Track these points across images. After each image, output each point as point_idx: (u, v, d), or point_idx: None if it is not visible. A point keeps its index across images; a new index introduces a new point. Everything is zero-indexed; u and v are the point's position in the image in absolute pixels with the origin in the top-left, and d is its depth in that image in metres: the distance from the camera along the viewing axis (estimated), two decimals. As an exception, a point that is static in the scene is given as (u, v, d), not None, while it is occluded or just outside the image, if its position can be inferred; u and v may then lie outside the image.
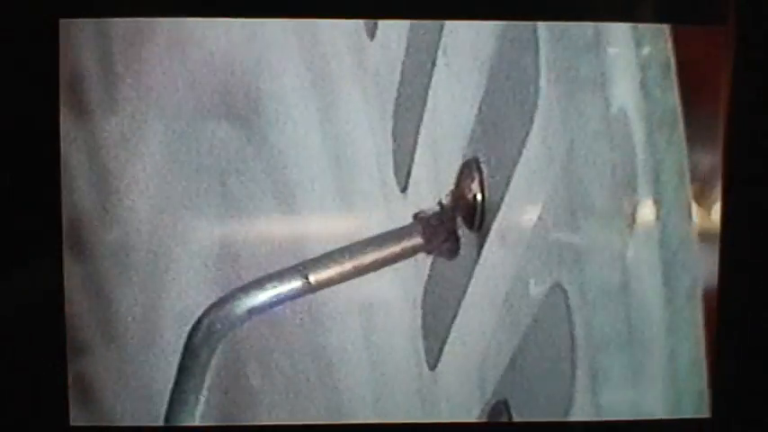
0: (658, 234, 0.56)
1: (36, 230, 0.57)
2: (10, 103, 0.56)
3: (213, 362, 0.58)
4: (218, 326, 0.57)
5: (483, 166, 0.58)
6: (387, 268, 0.60)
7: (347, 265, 0.58)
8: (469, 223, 0.59)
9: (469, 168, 0.59)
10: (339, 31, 0.61)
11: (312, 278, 0.58)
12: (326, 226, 0.61)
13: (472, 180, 0.59)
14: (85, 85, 0.59)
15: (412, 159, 0.60)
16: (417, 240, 0.59)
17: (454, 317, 0.60)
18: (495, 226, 0.58)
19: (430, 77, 0.60)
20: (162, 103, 0.59)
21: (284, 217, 0.61)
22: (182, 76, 0.59)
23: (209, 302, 0.59)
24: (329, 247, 0.59)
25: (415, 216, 0.60)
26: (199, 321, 0.58)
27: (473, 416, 0.59)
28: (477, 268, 0.59)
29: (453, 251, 0.60)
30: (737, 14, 0.57)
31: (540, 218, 0.57)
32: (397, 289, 0.61)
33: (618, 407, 0.57)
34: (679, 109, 0.55)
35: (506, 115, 0.58)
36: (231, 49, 0.60)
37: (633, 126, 0.56)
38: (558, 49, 0.57)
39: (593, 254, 0.56)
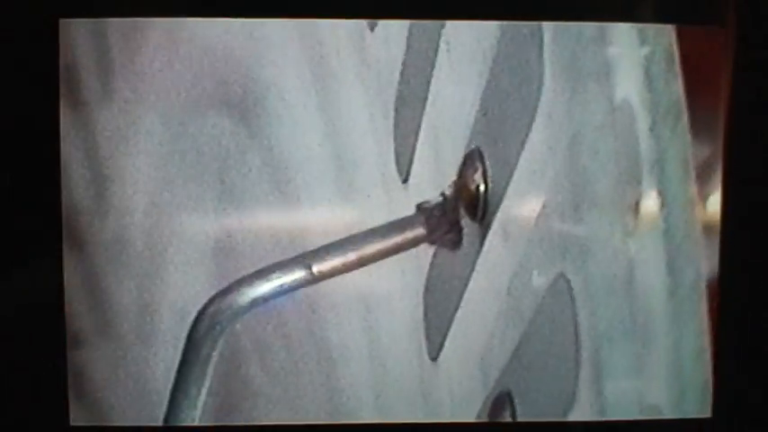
0: (662, 225, 0.56)
1: (36, 230, 0.57)
2: (10, 102, 0.56)
3: (216, 353, 0.58)
4: (222, 316, 0.57)
5: (486, 156, 0.58)
6: (387, 259, 0.60)
7: (350, 256, 0.58)
8: (472, 214, 0.59)
9: (472, 159, 0.59)
10: (339, 23, 0.60)
11: (315, 269, 0.58)
12: (327, 218, 0.60)
13: (475, 171, 0.59)
14: (83, 78, 0.58)
15: (413, 150, 0.60)
16: (420, 231, 0.59)
17: (456, 308, 0.59)
18: (497, 217, 0.58)
19: (432, 68, 0.59)
20: (160, 96, 0.59)
21: (284, 209, 0.60)
22: (180, 70, 0.59)
23: (209, 296, 0.58)
24: (330, 240, 0.59)
25: (418, 207, 0.59)
26: (202, 312, 0.57)
27: (475, 407, 0.59)
28: (480, 259, 0.59)
29: (456, 242, 0.60)
30: (737, 14, 0.57)
31: (543, 209, 0.57)
32: (398, 280, 0.60)
33: (622, 397, 0.57)
34: (683, 100, 0.55)
35: (509, 106, 0.58)
36: (230, 41, 0.59)
37: (637, 117, 0.56)
38: (561, 40, 0.57)
39: (597, 244, 0.57)
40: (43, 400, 0.58)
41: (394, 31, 0.59)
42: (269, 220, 0.60)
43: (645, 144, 0.56)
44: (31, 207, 0.57)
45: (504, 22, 0.58)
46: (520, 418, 0.59)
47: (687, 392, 0.57)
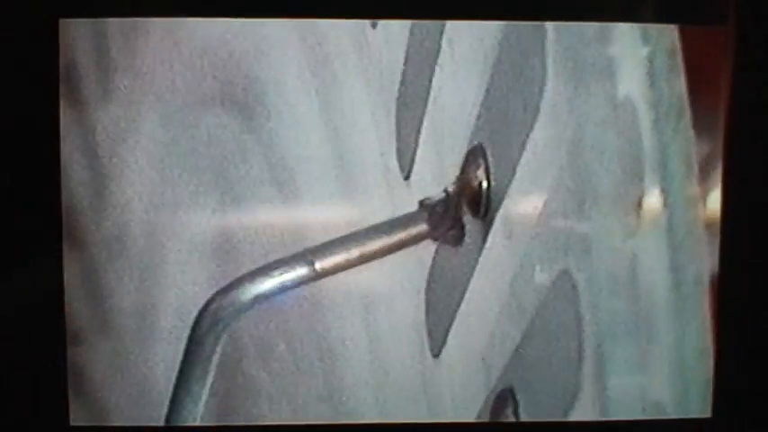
0: (665, 222, 0.56)
1: (36, 229, 0.57)
2: (10, 102, 0.56)
3: (218, 350, 0.58)
4: (224, 313, 0.57)
5: (489, 153, 0.58)
6: (389, 256, 0.59)
7: (353, 252, 0.58)
8: (475, 211, 0.59)
9: (475, 155, 0.59)
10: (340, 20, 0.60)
11: (318, 265, 0.58)
12: (328, 215, 0.60)
13: (478, 167, 0.58)
14: (82, 75, 0.58)
15: (415, 147, 0.60)
16: (423, 227, 0.59)
17: (459, 304, 0.59)
18: (500, 213, 0.58)
19: (434, 64, 0.59)
20: (160, 93, 0.59)
21: (285, 206, 0.60)
22: (181, 67, 0.59)
23: (209, 294, 0.58)
24: (331, 237, 0.59)
25: (421, 203, 0.59)
26: (205, 309, 0.57)
27: (478, 404, 0.59)
28: (483, 256, 0.59)
29: (459, 238, 0.60)
30: (737, 14, 0.58)
31: (546, 206, 0.57)
32: (400, 276, 0.60)
33: (625, 394, 0.57)
34: (686, 97, 0.56)
35: (512, 102, 0.58)
36: (230, 37, 0.59)
37: (640, 114, 0.56)
38: (564, 36, 0.57)
39: (600, 241, 0.57)
40: (43, 399, 0.58)
41: (396, 27, 0.59)
42: (270, 218, 0.60)
43: (648, 141, 0.56)
44: (31, 206, 0.57)
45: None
46: (522, 415, 0.59)
47: (690, 389, 0.57)
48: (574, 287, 0.57)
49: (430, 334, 0.60)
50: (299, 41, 0.59)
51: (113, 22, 0.57)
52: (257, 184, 0.60)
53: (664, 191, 0.56)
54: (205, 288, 0.59)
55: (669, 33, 0.56)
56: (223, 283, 0.59)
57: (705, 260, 0.56)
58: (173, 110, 0.59)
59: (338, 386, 0.61)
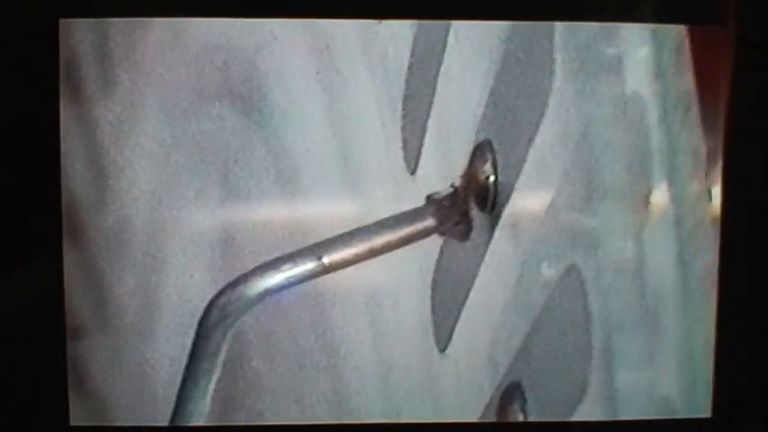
0: (672, 216, 0.56)
1: (36, 227, 0.57)
2: (10, 102, 0.56)
3: (226, 344, 0.57)
4: (232, 307, 0.57)
5: (496, 148, 0.58)
6: (396, 251, 0.59)
7: (360, 247, 0.58)
8: (482, 205, 0.59)
9: (482, 150, 0.59)
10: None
11: (326, 259, 0.58)
12: (334, 210, 0.60)
13: (485, 162, 0.58)
14: (82, 74, 0.57)
15: (422, 142, 0.60)
16: (430, 222, 0.59)
17: (465, 299, 0.59)
18: (507, 208, 0.58)
19: (441, 59, 0.59)
20: (164, 89, 0.58)
21: (291, 202, 0.60)
22: (183, 61, 0.58)
23: (212, 292, 0.58)
24: (337, 232, 0.59)
25: (428, 198, 0.59)
26: (212, 303, 0.57)
27: (485, 398, 0.59)
28: (490, 250, 0.59)
29: (466, 233, 0.60)
30: (737, 14, 0.58)
31: (553, 200, 0.58)
32: (406, 271, 0.60)
33: (633, 388, 0.57)
34: (693, 91, 0.56)
35: (520, 97, 0.58)
36: (234, 34, 0.59)
37: (648, 108, 0.56)
38: (572, 32, 0.57)
39: (608, 236, 0.57)
40: (43, 399, 0.57)
41: (402, 22, 0.59)
42: (275, 214, 0.60)
43: (655, 136, 0.56)
44: (30, 207, 0.57)
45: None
46: (530, 409, 0.59)
47: (697, 383, 0.57)
48: (581, 282, 0.57)
49: (436, 329, 0.60)
50: (303, 36, 0.59)
51: (113, 23, 0.57)
52: (262, 179, 0.59)
53: (671, 186, 0.57)
54: (208, 286, 0.58)
55: (677, 30, 0.57)
56: (226, 281, 0.58)
57: (713, 254, 0.56)
58: (176, 104, 0.58)
59: (344, 382, 0.60)
